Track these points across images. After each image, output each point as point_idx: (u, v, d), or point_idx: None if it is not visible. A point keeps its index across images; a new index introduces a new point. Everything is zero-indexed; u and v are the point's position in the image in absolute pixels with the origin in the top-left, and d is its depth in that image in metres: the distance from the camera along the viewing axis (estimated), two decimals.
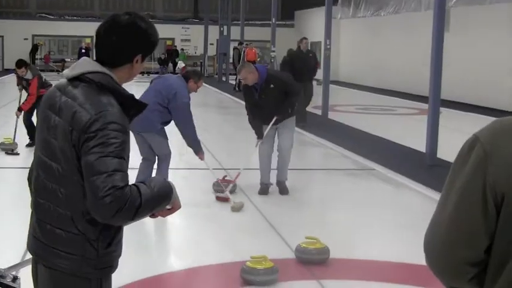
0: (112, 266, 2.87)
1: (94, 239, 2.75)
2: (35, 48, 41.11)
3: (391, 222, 8.11)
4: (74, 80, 2.82)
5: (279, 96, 8.80)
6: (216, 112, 20.88)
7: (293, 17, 43.32)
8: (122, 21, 2.85)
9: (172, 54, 38.91)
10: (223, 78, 33.07)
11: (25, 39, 41.84)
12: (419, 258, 6.53)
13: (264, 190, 9.23)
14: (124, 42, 2.84)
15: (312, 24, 38.04)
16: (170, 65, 38.52)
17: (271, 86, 8.81)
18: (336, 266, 6.36)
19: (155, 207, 2.74)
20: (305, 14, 40.61)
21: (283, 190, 9.19)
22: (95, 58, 2.89)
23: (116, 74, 2.83)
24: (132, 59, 2.86)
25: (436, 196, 9.14)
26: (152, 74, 38.17)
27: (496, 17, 22.08)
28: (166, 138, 8.41)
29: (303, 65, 15.65)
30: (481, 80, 22.26)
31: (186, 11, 45.40)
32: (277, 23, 24.32)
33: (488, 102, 21.60)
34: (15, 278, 2.78)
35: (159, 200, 2.74)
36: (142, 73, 37.78)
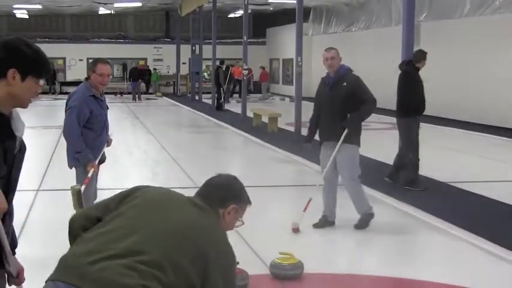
0: None
1: None
2: None
3: (364, 236, 8.14)
4: None
5: (347, 98, 8.03)
6: (190, 132, 20.77)
7: (265, 35, 43.52)
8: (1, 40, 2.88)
9: (145, 74, 38.80)
10: (197, 97, 33.00)
11: None
12: (392, 270, 6.56)
13: (320, 223, 8.27)
14: None
15: (284, 41, 38.25)
16: (143, 84, 38.12)
17: (344, 83, 8.18)
18: (310, 281, 6.39)
19: None
20: (276, 31, 40.84)
21: (359, 224, 8.24)
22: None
23: None
24: (5, 72, 2.82)
25: (411, 211, 9.19)
26: (125, 94, 38.05)
27: (466, 30, 22.41)
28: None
29: (419, 91, 11.32)
30: (455, 93, 22.50)
31: (158, 31, 45.41)
32: (248, 40, 24.36)
33: (465, 115, 21.88)
34: None
35: None
36: (115, 93, 37.69)
